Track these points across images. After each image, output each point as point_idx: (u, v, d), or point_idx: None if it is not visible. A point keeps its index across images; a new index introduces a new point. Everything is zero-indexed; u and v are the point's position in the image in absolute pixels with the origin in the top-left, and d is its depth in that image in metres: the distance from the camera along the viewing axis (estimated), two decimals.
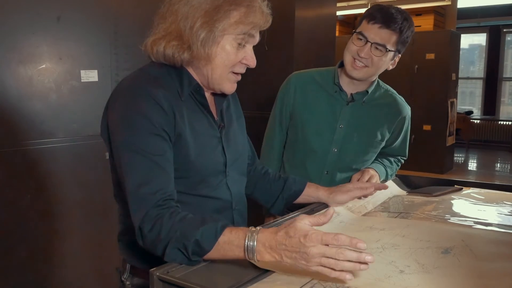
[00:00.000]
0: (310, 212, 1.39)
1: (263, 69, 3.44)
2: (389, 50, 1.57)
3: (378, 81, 1.74)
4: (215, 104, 1.22)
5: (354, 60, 1.60)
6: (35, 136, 2.25)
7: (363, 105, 1.71)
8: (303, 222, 0.91)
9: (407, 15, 1.57)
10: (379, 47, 1.56)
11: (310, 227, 0.91)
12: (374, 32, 1.55)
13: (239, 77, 1.17)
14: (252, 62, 1.15)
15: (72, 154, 2.37)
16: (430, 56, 6.54)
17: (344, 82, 1.70)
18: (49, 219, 2.34)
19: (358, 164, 1.73)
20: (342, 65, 1.73)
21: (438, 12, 7.03)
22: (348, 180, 1.72)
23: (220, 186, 1.19)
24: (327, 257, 0.87)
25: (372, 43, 1.55)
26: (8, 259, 2.19)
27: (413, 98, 6.58)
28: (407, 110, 1.76)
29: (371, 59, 1.58)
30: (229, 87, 1.16)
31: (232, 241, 0.94)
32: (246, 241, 0.93)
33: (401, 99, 1.77)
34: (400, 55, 1.66)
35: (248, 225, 1.02)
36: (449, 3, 6.64)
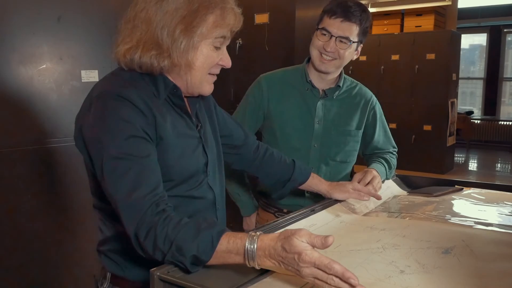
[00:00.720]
0: (311, 213, 1.39)
1: (264, 69, 3.44)
2: (353, 42, 1.65)
3: (342, 73, 1.80)
4: (189, 105, 1.20)
5: (321, 54, 1.67)
6: (36, 136, 2.26)
7: (334, 99, 1.77)
8: (301, 239, 0.88)
9: (364, 7, 1.67)
10: (343, 40, 1.64)
11: (307, 245, 0.88)
12: (337, 26, 1.63)
13: (215, 78, 1.17)
14: (228, 62, 1.14)
15: (72, 155, 2.37)
16: (431, 56, 6.53)
17: (314, 78, 1.76)
18: (50, 219, 2.34)
19: (341, 155, 1.78)
20: (309, 61, 1.78)
21: (439, 12, 7.02)
22: (335, 173, 1.77)
23: (202, 185, 1.18)
24: (319, 279, 0.86)
25: (336, 37, 1.63)
26: (8, 259, 2.19)
27: (414, 98, 6.58)
28: (371, 94, 1.85)
29: (337, 52, 1.65)
30: (208, 88, 1.15)
31: (231, 250, 0.92)
32: (246, 248, 0.91)
33: (364, 86, 1.86)
34: (362, 45, 1.74)
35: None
36: (450, 3, 6.64)
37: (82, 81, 2.40)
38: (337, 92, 1.76)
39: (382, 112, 1.89)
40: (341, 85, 1.76)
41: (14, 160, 2.19)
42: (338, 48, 1.64)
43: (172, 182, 1.09)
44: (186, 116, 1.16)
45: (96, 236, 1.21)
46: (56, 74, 2.31)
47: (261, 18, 3.33)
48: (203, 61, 1.09)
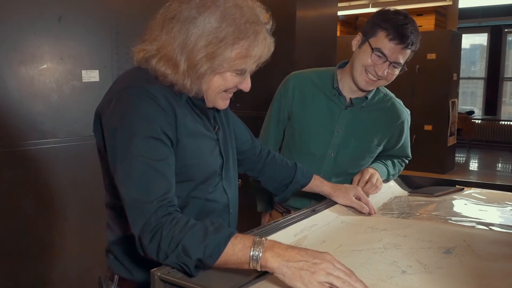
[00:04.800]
0: (311, 213, 1.39)
1: (264, 69, 3.44)
2: (402, 65, 1.58)
3: None
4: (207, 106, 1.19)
5: (366, 73, 1.58)
6: (36, 136, 2.25)
7: (361, 110, 1.69)
8: None
9: (417, 28, 1.57)
10: (396, 66, 1.56)
11: None
12: (397, 51, 1.53)
13: (232, 95, 1.15)
14: (246, 87, 1.12)
15: (73, 155, 2.37)
16: (432, 56, 6.53)
17: (344, 86, 1.68)
18: (51, 219, 2.34)
19: (354, 169, 1.72)
20: (341, 66, 1.72)
21: (440, 12, 7.02)
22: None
23: (217, 188, 1.17)
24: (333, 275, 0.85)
25: (391, 62, 1.54)
26: (8, 259, 2.19)
27: (414, 98, 6.58)
28: (406, 114, 1.75)
29: (387, 76, 1.57)
30: (223, 104, 1.14)
31: (236, 254, 0.90)
32: (252, 250, 0.89)
33: (399, 104, 1.75)
34: None
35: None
36: (450, 3, 6.64)
37: (83, 81, 2.40)
38: (364, 103, 1.68)
39: (409, 129, 1.79)
40: (369, 97, 1.68)
41: (15, 160, 2.19)
42: (389, 72, 1.56)
43: (188, 183, 1.09)
44: (205, 117, 1.16)
45: (98, 237, 1.20)
46: (57, 74, 2.31)
47: None
48: (220, 84, 1.07)
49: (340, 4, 3.74)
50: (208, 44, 1.00)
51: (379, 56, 1.54)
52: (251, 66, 1.06)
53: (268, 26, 1.08)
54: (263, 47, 1.06)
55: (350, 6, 6.88)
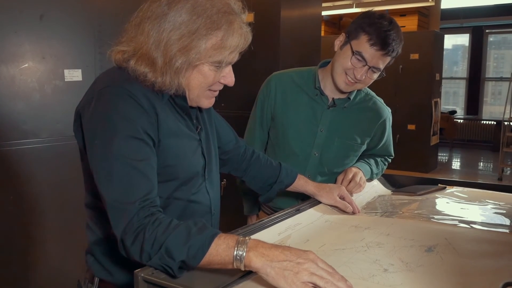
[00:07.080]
0: (296, 212, 1.39)
1: (249, 69, 3.44)
2: (381, 70, 1.59)
3: None
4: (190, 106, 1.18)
5: (346, 75, 1.59)
6: (18, 137, 2.22)
7: (343, 109, 1.70)
8: None
9: (400, 34, 1.57)
10: (375, 70, 1.57)
11: None
12: (377, 57, 1.53)
13: (217, 93, 1.13)
14: (230, 81, 1.10)
15: (55, 155, 2.34)
16: (414, 56, 6.61)
17: (327, 86, 1.69)
18: (33, 220, 2.31)
19: (339, 168, 1.73)
20: (323, 66, 1.72)
21: (422, 13, 7.11)
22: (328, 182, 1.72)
23: (200, 189, 1.17)
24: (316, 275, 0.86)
25: (370, 67, 1.55)
26: None
27: (398, 98, 6.65)
28: (387, 113, 1.77)
29: (365, 80, 1.58)
30: (207, 103, 1.13)
31: (219, 254, 0.90)
32: (236, 249, 0.89)
33: (380, 102, 1.77)
34: None
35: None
36: (433, 4, 6.72)
37: (65, 80, 2.38)
38: (347, 103, 1.69)
39: (391, 128, 1.80)
40: (351, 97, 1.69)
41: None
42: (368, 76, 1.57)
43: (170, 184, 1.09)
44: (187, 118, 1.15)
45: (81, 238, 1.18)
46: (39, 74, 2.28)
47: (246, 18, 3.32)
48: (201, 80, 1.06)
49: (324, 4, 3.77)
50: (181, 37, 0.99)
51: (359, 59, 1.55)
52: (227, 57, 1.05)
53: (244, 16, 1.07)
54: (239, 37, 1.04)
55: (334, 6, 6.91)
